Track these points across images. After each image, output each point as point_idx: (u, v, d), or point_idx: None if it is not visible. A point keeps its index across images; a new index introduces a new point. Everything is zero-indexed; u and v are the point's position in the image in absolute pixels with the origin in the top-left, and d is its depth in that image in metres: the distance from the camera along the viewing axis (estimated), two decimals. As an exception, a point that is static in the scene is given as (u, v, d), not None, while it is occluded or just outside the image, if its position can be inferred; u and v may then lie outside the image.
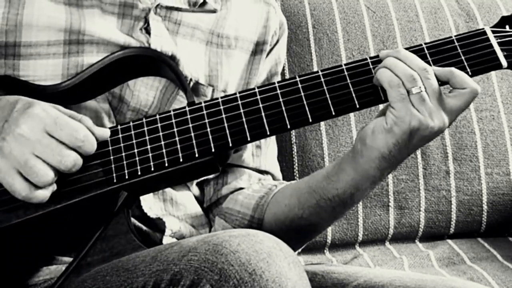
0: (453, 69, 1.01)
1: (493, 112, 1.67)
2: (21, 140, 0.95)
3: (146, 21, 1.14)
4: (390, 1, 1.73)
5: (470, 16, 1.74)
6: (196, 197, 1.24)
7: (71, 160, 0.96)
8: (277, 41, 1.29)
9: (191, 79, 1.16)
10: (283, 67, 1.61)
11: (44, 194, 0.96)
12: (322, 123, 1.61)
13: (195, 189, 1.23)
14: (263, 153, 1.29)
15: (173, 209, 1.16)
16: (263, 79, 1.28)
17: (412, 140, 1.01)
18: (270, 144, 1.31)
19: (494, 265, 1.52)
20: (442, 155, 1.64)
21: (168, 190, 1.16)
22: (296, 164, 1.60)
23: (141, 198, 1.10)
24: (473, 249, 1.60)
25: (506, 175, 1.64)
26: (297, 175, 1.59)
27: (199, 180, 1.24)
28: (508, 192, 1.64)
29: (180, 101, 1.14)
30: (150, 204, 1.12)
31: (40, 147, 0.95)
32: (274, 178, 1.31)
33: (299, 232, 1.16)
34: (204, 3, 1.20)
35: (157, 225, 1.12)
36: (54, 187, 0.97)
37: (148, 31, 1.13)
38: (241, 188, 1.25)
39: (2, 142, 0.95)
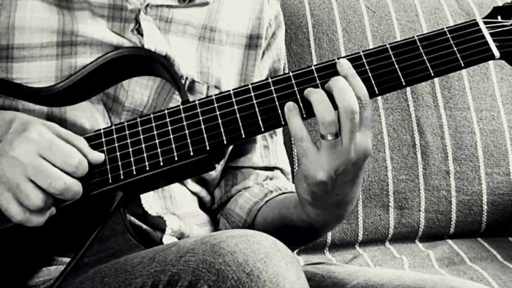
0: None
1: (493, 112, 1.67)
2: (14, 162, 0.94)
3: (137, 22, 1.13)
4: (390, 1, 1.73)
5: (470, 16, 1.74)
6: (196, 195, 1.23)
7: (61, 183, 0.94)
8: (274, 34, 1.28)
9: (186, 78, 1.16)
10: (283, 66, 1.61)
11: (37, 220, 0.95)
12: (322, 123, 1.61)
13: (192, 185, 1.22)
14: (271, 152, 1.29)
15: (172, 206, 1.16)
16: (266, 75, 1.28)
17: (329, 183, 1.00)
18: (277, 141, 1.31)
19: (494, 265, 1.52)
20: (442, 155, 1.64)
21: (167, 187, 1.16)
22: (296, 164, 1.60)
23: (142, 196, 1.10)
24: (473, 249, 1.60)
25: (506, 175, 1.64)
26: (297, 175, 1.59)
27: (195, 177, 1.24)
28: (508, 192, 1.64)
29: (177, 100, 1.13)
30: (151, 202, 1.12)
31: (31, 170, 0.94)
32: (283, 172, 1.31)
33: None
34: None
35: (158, 224, 1.12)
36: (52, 211, 0.97)
37: (139, 32, 1.13)
38: (248, 188, 1.26)
39: None
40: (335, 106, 0.97)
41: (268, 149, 1.29)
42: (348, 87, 0.97)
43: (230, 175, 1.27)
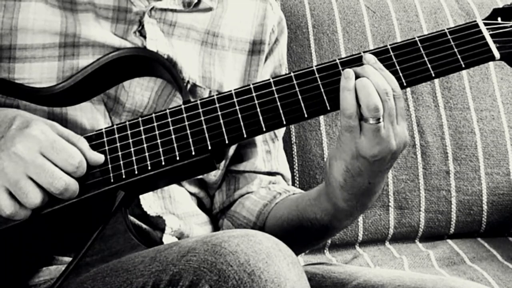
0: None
1: (493, 112, 1.67)
2: (15, 159, 0.94)
3: (141, 24, 1.14)
4: (390, 1, 1.73)
5: (470, 16, 1.74)
6: (195, 196, 1.23)
7: (62, 184, 0.95)
8: (276, 40, 1.29)
9: (188, 82, 1.17)
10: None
11: (24, 214, 0.96)
12: (322, 122, 1.61)
13: (190, 187, 1.22)
14: (273, 157, 1.29)
15: (172, 206, 1.16)
16: None
17: (366, 166, 1.00)
18: (279, 146, 1.31)
19: (494, 265, 1.52)
20: (442, 155, 1.64)
21: (167, 188, 1.16)
22: (296, 164, 1.60)
23: (141, 196, 1.10)
24: (473, 249, 1.60)
25: (506, 175, 1.64)
26: (297, 175, 1.59)
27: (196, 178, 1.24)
28: (508, 192, 1.64)
29: (178, 102, 1.14)
30: (150, 202, 1.13)
31: (33, 168, 0.94)
32: (284, 177, 1.31)
33: (295, 244, 1.18)
34: (199, 2, 1.20)
35: (157, 224, 1.13)
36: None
37: (142, 34, 1.13)
38: (252, 192, 1.26)
39: None
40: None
41: (270, 154, 1.29)
42: (375, 71, 0.99)
43: (232, 179, 1.27)
